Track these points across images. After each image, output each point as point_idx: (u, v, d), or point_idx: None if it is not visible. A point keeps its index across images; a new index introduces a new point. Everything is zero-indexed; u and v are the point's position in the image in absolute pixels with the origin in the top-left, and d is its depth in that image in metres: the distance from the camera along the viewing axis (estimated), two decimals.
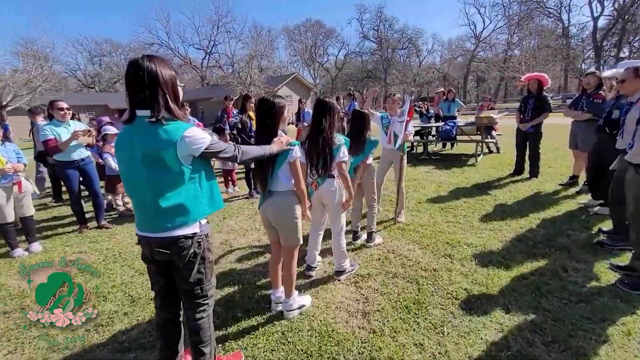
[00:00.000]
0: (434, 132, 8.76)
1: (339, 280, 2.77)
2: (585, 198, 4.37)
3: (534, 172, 5.49)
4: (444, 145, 9.01)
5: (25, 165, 3.76)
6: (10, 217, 3.66)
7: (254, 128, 5.06)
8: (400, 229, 3.78)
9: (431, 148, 9.02)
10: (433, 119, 9.19)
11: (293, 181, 2.14)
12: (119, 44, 44.92)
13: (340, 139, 2.51)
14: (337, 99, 8.92)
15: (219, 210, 1.65)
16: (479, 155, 7.41)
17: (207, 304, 1.64)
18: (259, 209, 2.24)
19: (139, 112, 1.41)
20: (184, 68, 45.36)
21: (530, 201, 4.41)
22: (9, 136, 6.44)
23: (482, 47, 45.82)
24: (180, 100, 1.53)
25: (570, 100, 5.25)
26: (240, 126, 4.96)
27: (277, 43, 51.52)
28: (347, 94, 9.01)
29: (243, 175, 5.97)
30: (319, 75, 52.48)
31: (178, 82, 1.53)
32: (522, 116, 5.45)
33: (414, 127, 8.60)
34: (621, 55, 34.45)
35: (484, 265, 2.87)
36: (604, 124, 3.74)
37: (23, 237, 3.81)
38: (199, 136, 1.44)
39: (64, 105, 4.03)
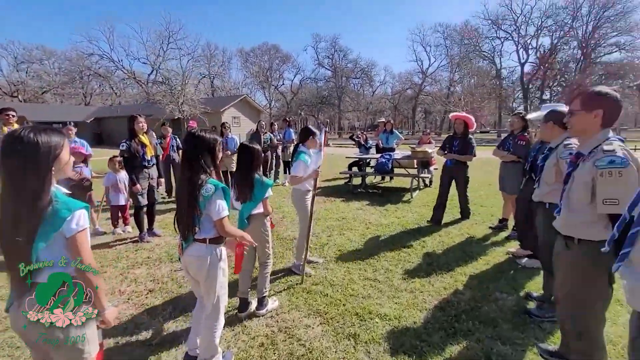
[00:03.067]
0: (373, 163, 8.45)
1: None
2: (514, 245, 4.05)
3: (465, 214, 5.22)
4: (383, 178, 8.70)
5: None
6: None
7: (147, 157, 4.17)
8: (305, 290, 3.05)
9: (370, 180, 8.66)
10: (373, 149, 8.92)
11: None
12: (54, 50, 40.73)
13: (209, 187, 1.81)
14: (272, 124, 8.29)
15: None
16: (415, 190, 7.12)
17: None
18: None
19: None
20: (127, 82, 42.36)
21: (460, 250, 3.97)
22: None
23: (428, 82, 49.15)
24: None
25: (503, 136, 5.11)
26: (126, 155, 4.00)
27: (232, 64, 50.92)
28: (282, 119, 8.38)
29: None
30: (274, 98, 52.36)
31: None
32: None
33: (352, 156, 8.34)
34: (544, 97, 38.93)
35: (393, 352, 2.21)
36: (529, 170, 3.45)
37: None
38: None
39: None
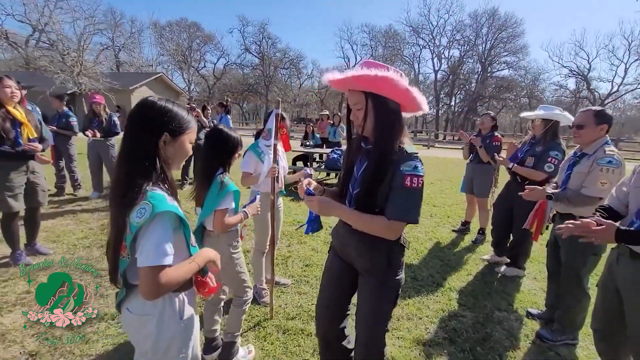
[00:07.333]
0: (318, 158, 7.86)
1: None
2: (484, 250, 3.90)
3: None
4: (328, 174, 8.19)
5: None
6: None
7: (22, 139, 2.82)
8: (280, 329, 2.27)
9: (314, 177, 8.07)
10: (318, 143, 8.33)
11: None
12: None
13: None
14: (204, 108, 7.00)
15: None
16: None
17: None
18: None
19: None
20: None
21: (437, 258, 3.63)
22: None
23: None
24: None
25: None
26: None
27: (143, 38, 44.49)
28: (218, 103, 7.17)
29: None
30: (195, 81, 47.81)
31: None
32: None
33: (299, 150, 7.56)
34: (451, 103, 43.85)
35: None
36: (514, 173, 3.24)
37: None
38: None
39: None
